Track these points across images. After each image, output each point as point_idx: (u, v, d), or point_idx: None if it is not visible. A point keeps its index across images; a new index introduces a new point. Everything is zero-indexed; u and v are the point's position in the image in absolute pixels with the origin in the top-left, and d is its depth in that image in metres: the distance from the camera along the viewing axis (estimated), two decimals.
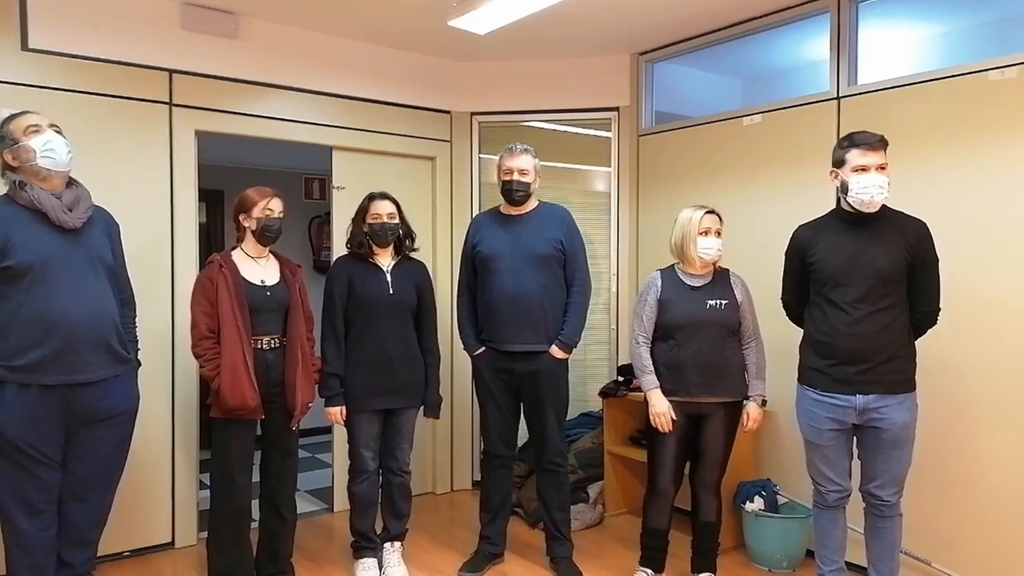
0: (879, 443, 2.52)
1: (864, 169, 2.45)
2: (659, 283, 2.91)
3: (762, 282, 3.23)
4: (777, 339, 3.25)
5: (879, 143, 2.47)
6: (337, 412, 2.99)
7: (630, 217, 4.23)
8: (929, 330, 2.59)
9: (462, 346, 3.24)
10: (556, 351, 3.05)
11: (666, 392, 2.84)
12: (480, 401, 3.20)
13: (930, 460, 2.88)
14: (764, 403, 2.91)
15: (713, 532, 2.99)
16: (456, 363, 4.17)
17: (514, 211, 3.14)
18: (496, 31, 3.56)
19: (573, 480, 3.78)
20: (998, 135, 2.74)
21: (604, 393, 3.94)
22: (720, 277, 2.91)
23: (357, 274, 3.03)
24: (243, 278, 2.77)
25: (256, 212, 2.81)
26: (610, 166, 4.27)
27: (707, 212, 2.86)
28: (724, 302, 2.84)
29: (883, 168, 2.46)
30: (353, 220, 3.09)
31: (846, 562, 2.74)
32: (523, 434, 3.26)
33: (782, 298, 2.81)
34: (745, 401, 2.90)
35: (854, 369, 2.50)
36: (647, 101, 4.17)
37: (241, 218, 2.85)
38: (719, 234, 2.86)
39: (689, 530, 3.05)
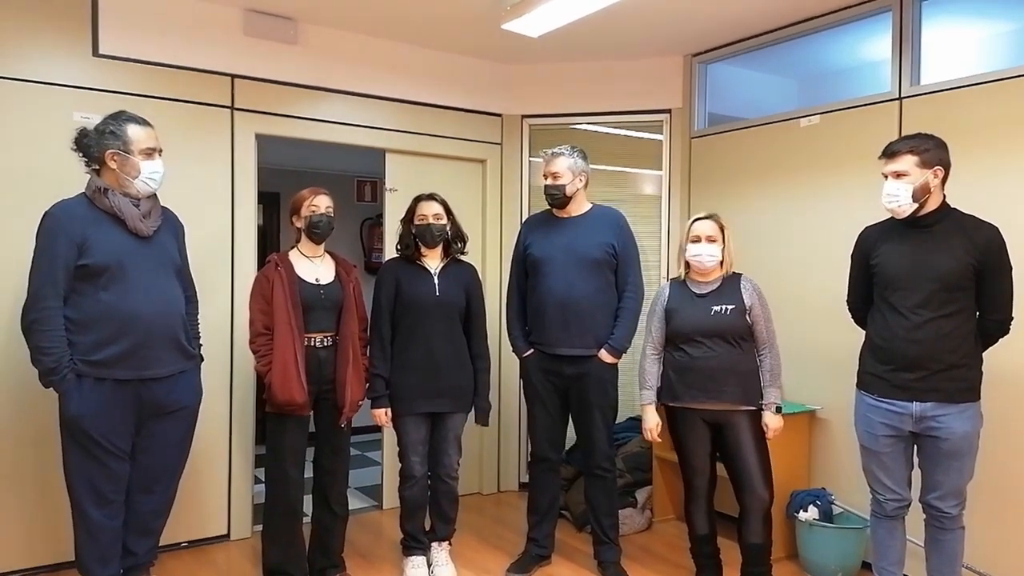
0: (938, 453, 2.44)
1: (886, 177, 2.43)
2: (667, 293, 2.91)
3: (820, 285, 3.18)
4: (836, 345, 3.19)
5: (897, 150, 2.43)
6: (382, 414, 3.02)
7: (681, 220, 4.16)
8: (1001, 339, 2.50)
9: (511, 348, 3.25)
10: (605, 355, 3.03)
11: (676, 398, 2.83)
12: (528, 403, 3.21)
13: (996, 472, 2.77)
14: (779, 410, 2.83)
15: (759, 556, 2.85)
16: (504, 365, 4.19)
17: (567, 213, 3.14)
18: (548, 34, 3.57)
19: (621, 484, 3.75)
20: None
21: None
22: (729, 283, 2.85)
23: (404, 276, 3.06)
24: (298, 276, 2.83)
25: (304, 211, 2.88)
26: (661, 169, 4.24)
27: (700, 219, 2.84)
28: (730, 307, 2.78)
29: (900, 175, 2.41)
30: (402, 222, 3.13)
31: (904, 575, 2.66)
32: (570, 437, 3.25)
33: (847, 301, 2.75)
34: (762, 407, 2.82)
35: (912, 375, 2.43)
36: (700, 103, 4.12)
37: (294, 219, 2.92)
38: (713, 240, 2.81)
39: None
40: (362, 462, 4.96)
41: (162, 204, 2.60)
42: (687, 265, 2.89)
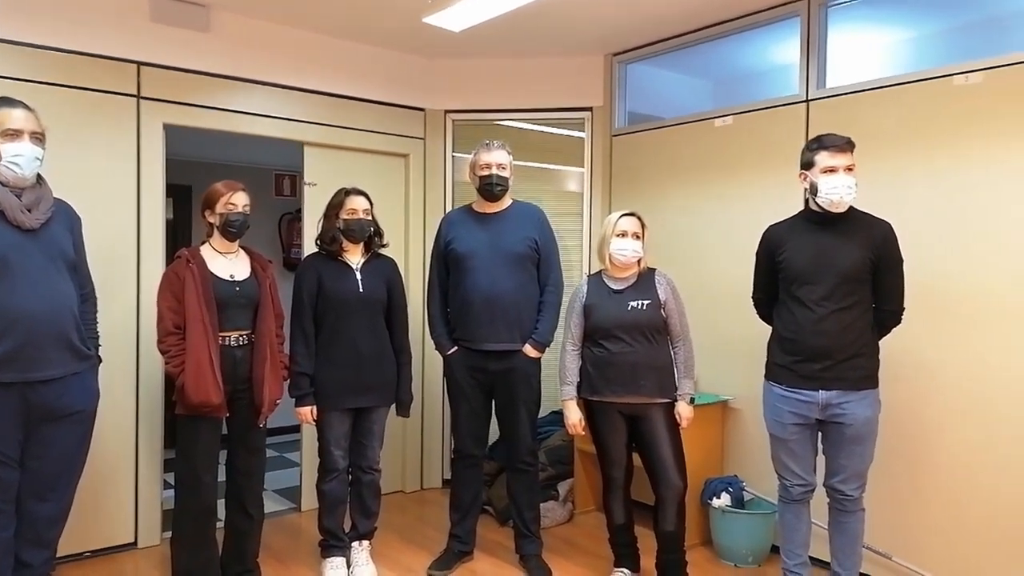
0: (842, 438, 2.57)
1: (833, 170, 2.50)
2: (585, 289, 2.96)
3: (732, 280, 3.28)
4: (743, 337, 3.30)
5: (847, 145, 2.52)
6: (308, 412, 2.97)
7: (603, 217, 4.23)
8: (893, 328, 2.65)
9: (433, 345, 3.23)
10: (530, 350, 3.06)
11: (594, 392, 2.88)
12: (451, 400, 3.20)
13: (893, 456, 2.93)
14: (692, 401, 2.92)
15: (673, 543, 2.90)
16: (428, 360, 4.16)
17: (488, 209, 3.14)
18: (471, 29, 3.56)
19: (543, 478, 3.78)
20: (963, 138, 2.80)
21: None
22: (644, 278, 2.92)
23: (326, 272, 3.00)
24: (211, 273, 2.73)
25: (220, 207, 2.77)
26: (583, 166, 4.29)
27: (625, 215, 2.91)
28: (646, 302, 2.85)
29: (851, 169, 2.51)
30: (325, 216, 3.06)
31: (810, 556, 2.79)
32: (493, 432, 3.26)
33: (753, 296, 2.85)
34: (677, 398, 2.90)
35: (818, 365, 2.55)
36: (620, 102, 4.19)
37: (206, 213, 2.81)
38: (638, 237, 2.88)
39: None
40: (280, 463, 4.83)
41: (58, 196, 2.45)
42: (603, 259, 2.94)
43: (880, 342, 2.63)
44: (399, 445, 4.20)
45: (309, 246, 3.64)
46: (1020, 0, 3.07)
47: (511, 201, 3.17)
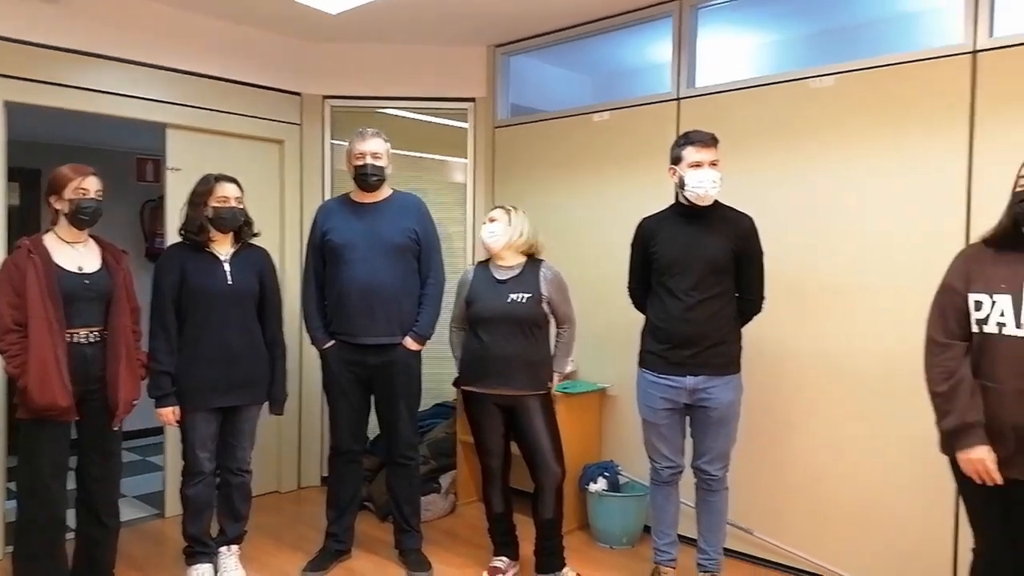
0: (707, 421, 2.70)
1: (699, 165, 2.61)
2: (470, 277, 2.98)
3: (610, 271, 3.36)
4: (620, 327, 3.39)
5: (711, 140, 2.63)
6: (169, 413, 2.79)
7: (486, 208, 4.22)
8: (755, 316, 2.79)
9: (309, 339, 3.12)
10: (410, 343, 3.01)
11: (471, 382, 2.91)
12: (329, 395, 3.10)
13: (755, 437, 3.11)
14: (565, 378, 3.03)
15: (552, 529, 2.92)
16: (305, 355, 4.02)
17: (367, 199, 3.06)
18: (351, 13, 3.45)
19: (426, 471, 3.76)
20: (818, 137, 2.99)
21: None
22: (529, 270, 2.93)
23: (191, 264, 2.82)
24: (56, 265, 2.51)
25: (69, 192, 2.54)
26: (467, 157, 4.27)
27: (495, 207, 2.98)
28: (527, 296, 2.86)
29: (715, 164, 2.63)
30: (190, 204, 2.87)
31: (679, 535, 2.91)
32: (373, 427, 3.19)
33: (628, 286, 2.93)
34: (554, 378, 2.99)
35: (687, 352, 2.66)
36: (503, 93, 4.20)
37: (52, 199, 2.58)
38: (493, 220, 2.93)
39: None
40: (141, 468, 4.51)
41: None
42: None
43: (743, 329, 2.78)
44: (274, 443, 4.04)
45: (173, 235, 3.41)
46: (869, 11, 3.31)
47: (391, 191, 3.10)
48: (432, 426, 4.04)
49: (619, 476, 3.51)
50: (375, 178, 3.00)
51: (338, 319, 3.00)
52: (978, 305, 1.99)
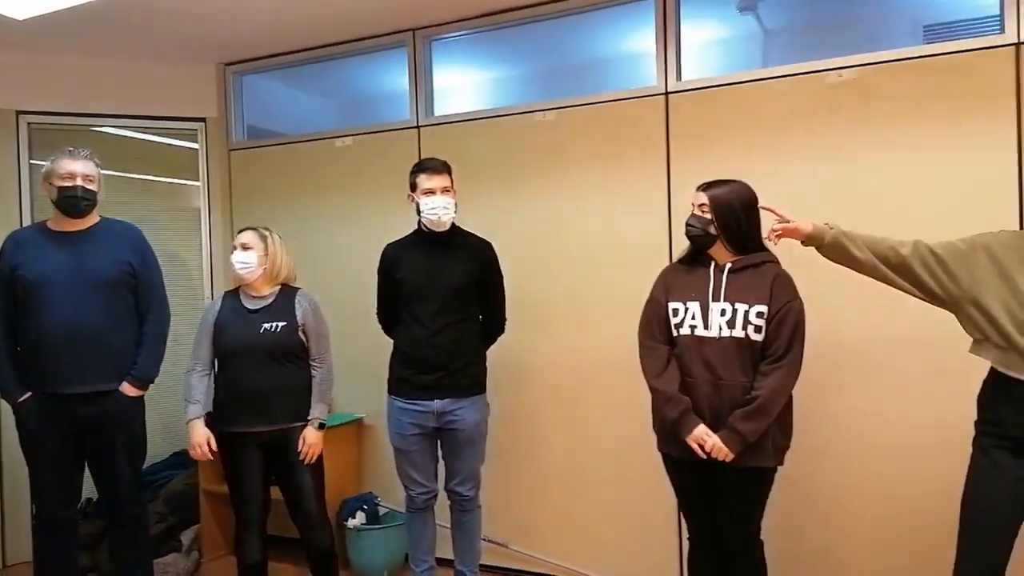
0: (456, 443, 2.75)
1: (431, 192, 2.67)
2: (218, 307, 2.78)
3: (353, 299, 3.31)
4: (374, 354, 3.34)
5: (442, 167, 2.71)
6: None
7: (223, 235, 3.96)
8: (499, 337, 2.91)
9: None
10: (128, 388, 2.68)
11: (228, 423, 2.69)
12: (27, 455, 2.67)
13: (505, 454, 3.23)
14: (322, 427, 2.78)
15: (329, 560, 2.81)
16: (4, 413, 3.41)
17: (70, 227, 2.69)
18: (47, 19, 3.02)
19: (162, 528, 3.39)
20: (545, 167, 3.21)
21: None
22: (284, 298, 2.78)
23: None
24: None
25: None
26: (199, 180, 3.96)
27: (244, 229, 2.80)
28: (281, 324, 2.71)
29: (448, 191, 2.70)
30: None
31: (437, 558, 2.92)
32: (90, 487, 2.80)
33: (377, 313, 2.90)
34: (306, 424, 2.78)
35: (432, 376, 2.69)
36: (236, 114, 3.97)
37: None
38: (247, 248, 2.73)
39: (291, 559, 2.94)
40: None
41: None
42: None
43: (488, 351, 2.88)
44: None
45: None
46: (584, 53, 3.64)
47: (99, 218, 2.76)
48: (169, 478, 3.65)
49: (379, 507, 3.44)
50: (87, 203, 2.66)
51: (35, 367, 2.60)
52: (675, 312, 2.25)
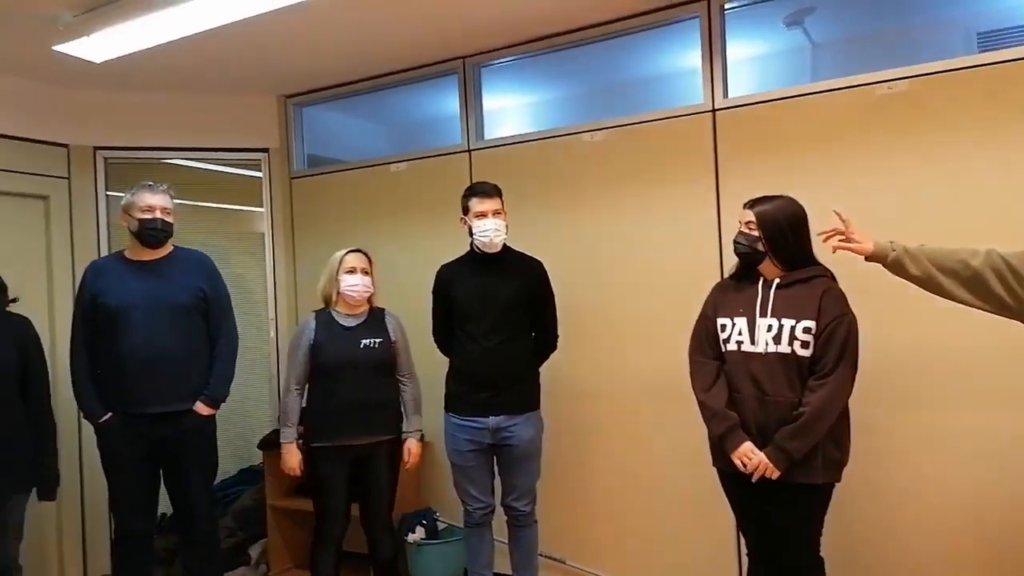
0: (511, 459, 2.81)
1: (483, 215, 2.75)
2: (312, 325, 2.89)
3: (411, 321, 3.40)
4: (426, 372, 3.43)
5: (494, 191, 2.79)
6: None
7: (286, 259, 4.13)
8: (551, 355, 2.96)
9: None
10: (202, 408, 2.83)
11: (325, 437, 2.80)
12: (108, 474, 2.83)
13: (559, 469, 3.26)
14: (422, 438, 3.02)
15: (395, 569, 2.99)
16: (85, 433, 3.62)
17: (146, 256, 2.86)
18: (120, 60, 3.24)
19: (232, 543, 3.54)
20: (590, 186, 3.26)
21: (264, 444, 3.76)
22: (374, 316, 2.96)
23: None
24: None
25: None
26: (263, 207, 4.15)
27: (351, 251, 2.92)
28: (378, 341, 2.88)
29: (499, 213, 2.78)
30: None
31: (495, 573, 2.97)
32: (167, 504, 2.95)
33: (433, 333, 2.99)
34: (405, 436, 2.97)
35: (487, 393, 2.76)
36: (297, 144, 4.14)
37: None
38: (366, 272, 2.91)
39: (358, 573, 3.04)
40: None
41: None
42: (330, 297, 2.89)
43: (541, 368, 2.93)
44: (53, 532, 3.58)
45: None
46: (628, 73, 3.68)
47: (172, 247, 2.92)
48: (237, 494, 3.81)
49: (437, 523, 3.52)
50: (165, 234, 2.83)
51: (116, 389, 2.76)
52: (723, 327, 2.27)
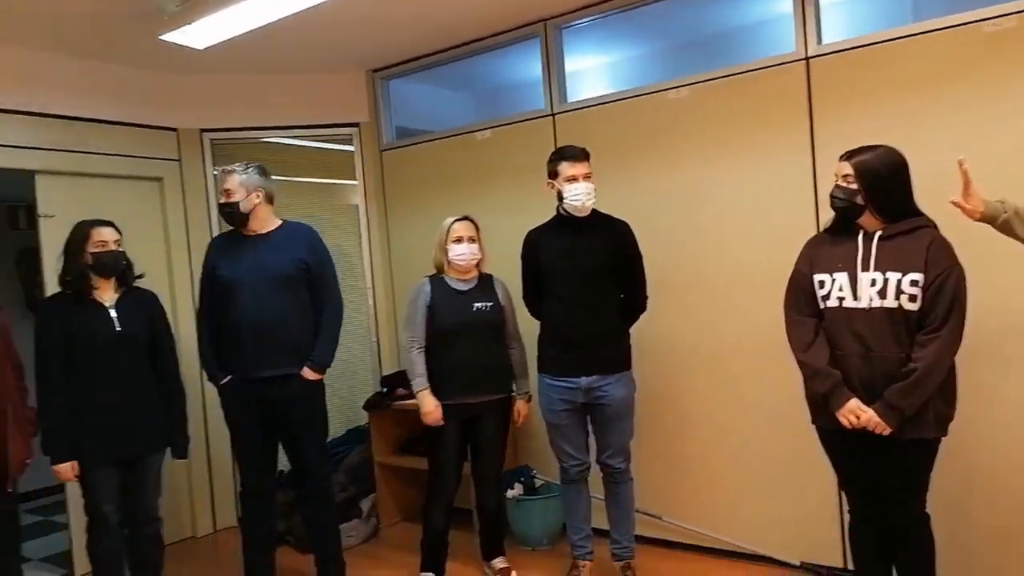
0: (605, 418, 2.86)
1: (573, 179, 2.77)
2: (428, 289, 3.02)
3: (510, 285, 3.48)
4: (528, 335, 3.53)
5: (583, 155, 2.80)
6: (67, 469, 2.69)
7: (380, 230, 4.30)
8: (640, 315, 2.98)
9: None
10: (308, 372, 2.99)
11: (441, 396, 2.95)
12: (232, 433, 3.07)
13: (652, 428, 3.30)
14: (530, 399, 3.13)
15: (499, 520, 3.22)
16: (208, 394, 3.93)
17: (254, 231, 3.04)
18: (221, 45, 3.42)
19: (344, 497, 3.77)
20: (679, 144, 3.22)
21: (368, 406, 3.97)
22: (484, 281, 3.08)
23: (75, 314, 2.74)
24: None
25: None
26: (356, 180, 4.31)
27: (458, 220, 3.02)
28: (489, 304, 3.01)
29: (588, 177, 2.79)
30: (66, 252, 2.79)
31: (593, 528, 3.06)
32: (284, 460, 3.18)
33: (523, 297, 3.06)
34: (514, 396, 3.10)
35: (578, 354, 2.82)
36: (386, 117, 4.26)
37: None
38: (472, 240, 3.01)
39: (461, 527, 3.19)
40: (44, 528, 4.28)
41: None
42: (442, 264, 3.04)
43: (632, 328, 2.96)
44: (184, 487, 3.94)
45: (51, 284, 3.28)
46: (713, 25, 3.57)
47: (280, 222, 3.09)
48: (347, 452, 4.04)
49: (535, 479, 3.64)
50: (228, 214, 2.99)
51: (232, 355, 2.97)
52: (821, 284, 2.23)
